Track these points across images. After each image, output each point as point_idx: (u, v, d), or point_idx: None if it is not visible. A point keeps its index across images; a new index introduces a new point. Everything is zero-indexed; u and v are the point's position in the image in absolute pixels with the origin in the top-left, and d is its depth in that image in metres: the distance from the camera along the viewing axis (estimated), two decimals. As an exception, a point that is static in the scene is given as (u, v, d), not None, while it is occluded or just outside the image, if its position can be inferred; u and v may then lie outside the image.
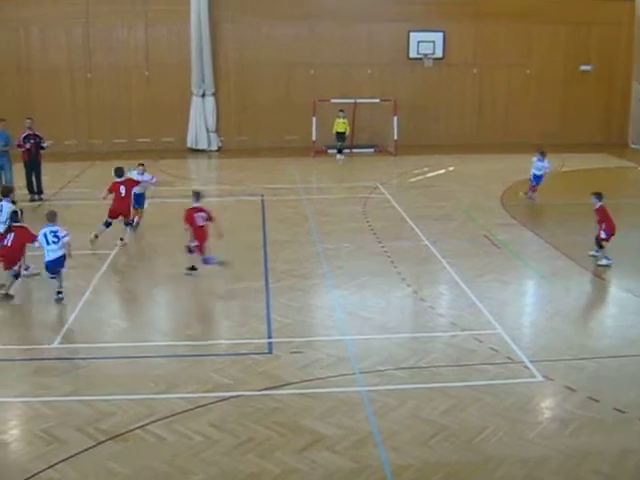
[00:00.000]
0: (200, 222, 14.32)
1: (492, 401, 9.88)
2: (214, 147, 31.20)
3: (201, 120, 30.90)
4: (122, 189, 16.84)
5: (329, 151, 29.83)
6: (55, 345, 11.58)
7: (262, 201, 21.34)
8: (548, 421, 9.49)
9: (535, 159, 21.55)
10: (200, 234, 14.33)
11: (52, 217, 13.42)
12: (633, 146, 32.51)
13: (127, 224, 17.05)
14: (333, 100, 29.49)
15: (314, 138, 29.25)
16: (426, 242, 17.08)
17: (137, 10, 30.21)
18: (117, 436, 9.02)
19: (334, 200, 21.65)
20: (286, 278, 14.68)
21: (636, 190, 24.76)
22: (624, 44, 32.70)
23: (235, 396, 9.95)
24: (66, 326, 12.32)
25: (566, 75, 32.74)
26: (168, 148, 30.68)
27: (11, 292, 13.55)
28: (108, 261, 15.74)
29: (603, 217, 15.82)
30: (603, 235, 15.78)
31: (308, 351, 11.31)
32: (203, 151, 30.91)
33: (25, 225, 13.85)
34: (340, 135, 28.96)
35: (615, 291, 14.61)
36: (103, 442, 8.90)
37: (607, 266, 15.40)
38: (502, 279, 14.63)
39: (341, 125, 28.87)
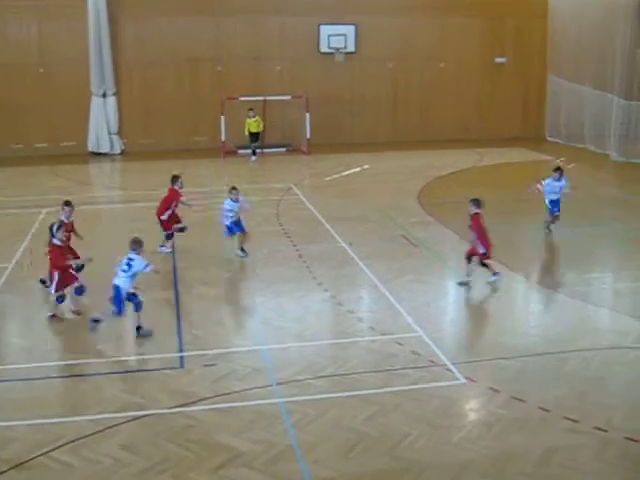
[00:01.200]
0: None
1: (415, 406, 10.00)
2: (117, 150, 30.75)
3: (102, 122, 30.40)
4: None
5: (240, 151, 29.73)
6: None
7: (170, 206, 21.06)
8: (472, 424, 9.66)
9: (549, 179, 18.01)
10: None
11: (134, 244, 12.37)
12: (550, 139, 33.46)
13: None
14: (242, 98, 29.44)
15: (223, 138, 29.13)
16: (342, 244, 17.19)
17: (30, 4, 29.49)
18: (19, 465, 8.76)
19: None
20: (197, 286, 14.55)
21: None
22: (538, 36, 33.66)
23: (146, 415, 9.80)
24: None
25: (482, 68, 33.49)
26: (68, 152, 30.07)
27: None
28: (3, 278, 15.30)
29: (477, 226, 14.27)
30: (481, 250, 14.28)
31: (222, 363, 11.23)
32: (105, 155, 30.41)
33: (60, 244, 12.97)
34: (254, 135, 28.86)
35: (535, 288, 14.99)
36: (4, 472, 8.63)
37: (496, 281, 14.48)
38: (422, 280, 14.83)
39: (253, 124, 28.79)
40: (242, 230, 16.46)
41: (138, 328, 12.25)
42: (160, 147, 30.81)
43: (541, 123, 34.17)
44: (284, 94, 30.39)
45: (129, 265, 12.10)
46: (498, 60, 33.57)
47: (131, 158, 29.88)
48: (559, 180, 17.93)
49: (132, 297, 12.17)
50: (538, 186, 18.18)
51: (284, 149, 30.60)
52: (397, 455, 8.88)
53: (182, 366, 11.21)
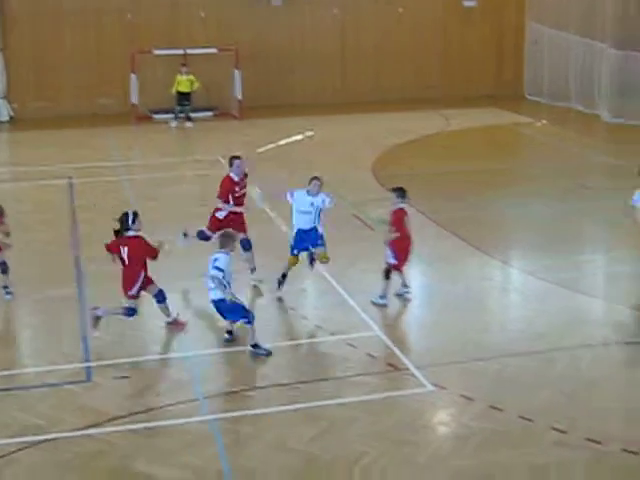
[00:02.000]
0: None
1: (373, 420, 10.01)
2: (4, 117, 30.28)
3: (-16, 83, 29.93)
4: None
5: (155, 116, 29.45)
6: None
7: (70, 185, 20.87)
8: (442, 439, 9.71)
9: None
10: None
11: (225, 241, 12.00)
12: (529, 97, 33.77)
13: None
14: (157, 51, 29.15)
15: (134, 101, 28.82)
16: (283, 228, 17.13)
17: None
18: None
19: (164, 180, 21.41)
20: (105, 282, 14.34)
21: (533, 151, 25.77)
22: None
23: (47, 439, 9.66)
24: None
25: (447, 13, 33.59)
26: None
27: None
28: None
29: (397, 224, 13.42)
30: (391, 260, 13.41)
31: (137, 375, 11.14)
32: (-11, 123, 29.97)
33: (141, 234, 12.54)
34: (183, 96, 28.63)
35: (515, 275, 15.16)
36: None
37: (382, 305, 13.46)
38: (377, 268, 14.84)
39: (184, 83, 28.54)
40: (322, 243, 13.83)
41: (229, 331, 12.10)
42: (57, 112, 30.34)
43: (519, 79, 34.42)
44: (209, 46, 30.12)
45: (218, 268, 11.67)
46: (467, 4, 33.75)
47: (22, 126, 29.42)
48: None
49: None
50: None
51: (210, 113, 30.37)
52: (352, 480, 8.89)
53: (89, 379, 11.09)
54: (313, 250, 13.71)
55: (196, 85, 28.76)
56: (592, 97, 30.26)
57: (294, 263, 13.75)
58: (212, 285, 11.70)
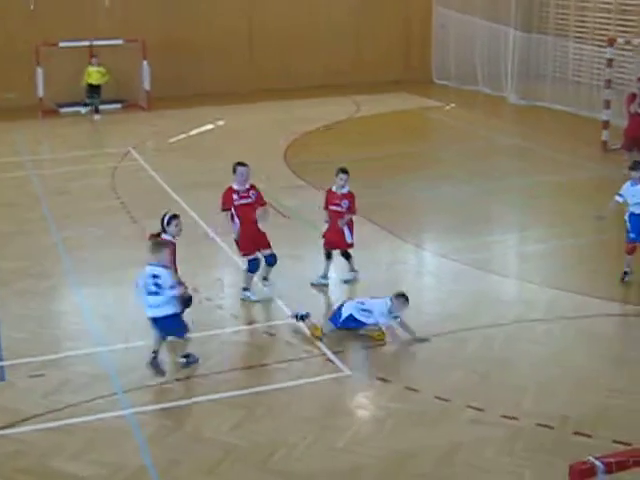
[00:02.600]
0: None
1: (291, 407, 10.08)
2: None
3: None
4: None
5: (63, 110, 29.01)
6: None
7: (-24, 182, 20.49)
8: (361, 422, 9.83)
9: (629, 184, 13.87)
10: None
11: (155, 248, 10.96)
12: (437, 81, 34.11)
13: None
14: (63, 43, 28.66)
15: (41, 94, 28.34)
16: (195, 217, 17.08)
17: None
18: None
19: (73, 173, 21.13)
20: (16, 280, 14.19)
21: (442, 134, 26.08)
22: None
23: (-41, 442, 9.54)
24: None
25: (355, -1, 33.66)
26: None
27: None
28: None
29: (353, 208, 13.86)
30: (350, 240, 13.82)
31: (52, 372, 11.01)
32: None
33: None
34: (93, 88, 28.23)
35: (428, 257, 15.36)
36: None
37: (324, 285, 13.89)
38: (294, 254, 14.92)
39: (94, 75, 28.13)
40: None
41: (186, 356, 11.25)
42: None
43: (427, 63, 34.70)
44: (115, 38, 29.73)
45: (157, 285, 10.63)
46: (373, -12, 33.90)
47: None
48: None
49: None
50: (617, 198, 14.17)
51: (119, 105, 30.00)
52: (272, 468, 8.92)
53: (2, 378, 10.93)
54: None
55: (106, 78, 28.38)
56: (499, 80, 30.68)
57: None
58: (153, 302, 10.69)
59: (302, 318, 11.95)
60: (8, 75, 29.70)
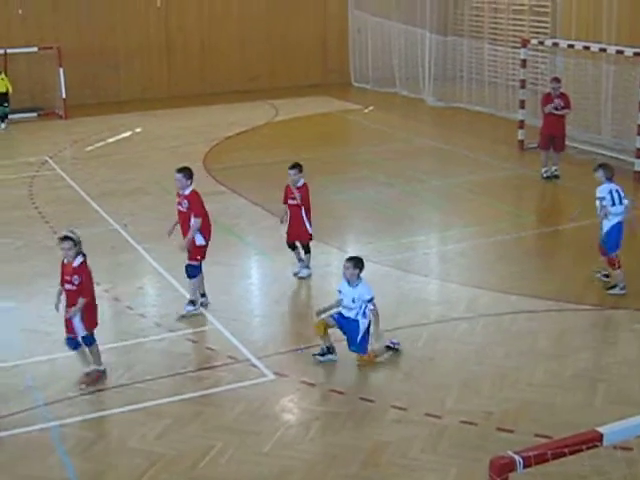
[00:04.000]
0: None
1: (216, 413, 10.06)
2: None
3: None
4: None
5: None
6: None
7: None
8: (286, 426, 9.82)
9: (603, 186, 13.22)
10: None
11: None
12: (356, 84, 34.32)
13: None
14: (-26, 53, 28.19)
15: (-47, 105, 27.83)
16: (115, 226, 16.95)
17: None
18: None
19: (-11, 184, 20.82)
20: None
21: (361, 137, 26.22)
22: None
23: None
24: None
25: (270, 3, 33.64)
26: None
27: None
28: None
29: (307, 200, 14.25)
30: (310, 230, 14.25)
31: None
32: None
33: None
34: (1, 96, 27.78)
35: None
36: None
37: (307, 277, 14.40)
38: (215, 261, 14.84)
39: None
40: None
41: None
42: None
43: (345, 67, 34.90)
44: (29, 45, 29.35)
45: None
46: (288, -7, 33.96)
47: None
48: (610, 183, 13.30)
49: None
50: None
51: (35, 114, 29.61)
52: (199, 475, 8.89)
53: None
54: None
55: (9, 85, 27.91)
56: (417, 82, 31.01)
57: None
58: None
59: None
60: None
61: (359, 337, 11.06)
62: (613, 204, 12.97)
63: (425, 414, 9.87)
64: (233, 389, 10.59)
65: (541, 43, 24.20)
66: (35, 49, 29.26)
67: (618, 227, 13.12)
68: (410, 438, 9.41)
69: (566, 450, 5.15)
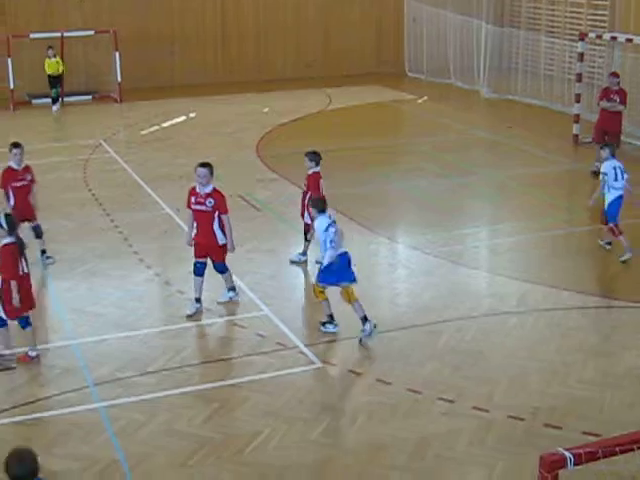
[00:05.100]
0: None
1: (264, 399, 10.09)
2: None
3: None
4: None
5: (35, 101, 28.85)
6: None
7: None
8: (332, 415, 9.83)
9: (607, 162, 14.61)
10: None
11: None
12: (410, 74, 34.15)
13: None
14: (33, 35, 28.47)
15: (12, 86, 28.14)
16: (168, 210, 17.04)
17: None
18: None
19: (45, 166, 20.96)
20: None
21: (415, 128, 26.10)
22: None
23: None
24: None
25: (326, -9, 33.63)
26: None
27: None
28: None
29: (316, 186, 13.95)
30: (309, 219, 13.66)
31: (22, 366, 10.93)
32: None
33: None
34: (54, 79, 28.06)
35: (400, 250, 15.37)
36: None
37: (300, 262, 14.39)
38: (265, 248, 14.93)
39: (52, 65, 27.96)
40: None
41: None
42: None
43: (399, 56, 34.76)
44: (86, 29, 29.60)
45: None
46: (346, -18, 33.88)
47: None
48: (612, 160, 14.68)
49: None
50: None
51: (90, 97, 29.86)
52: (246, 460, 8.94)
53: (-30, 372, 10.89)
54: None
55: (61, 67, 28.20)
56: (471, 73, 30.78)
57: None
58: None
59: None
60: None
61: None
62: (615, 179, 14.32)
63: (472, 407, 9.83)
64: (281, 376, 10.62)
65: (599, 37, 23.93)
66: (91, 32, 29.49)
67: (619, 200, 14.38)
68: (457, 431, 9.38)
69: (617, 449, 5.12)
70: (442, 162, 20.84)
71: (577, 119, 22.74)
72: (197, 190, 12.22)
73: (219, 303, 12.69)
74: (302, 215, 14.16)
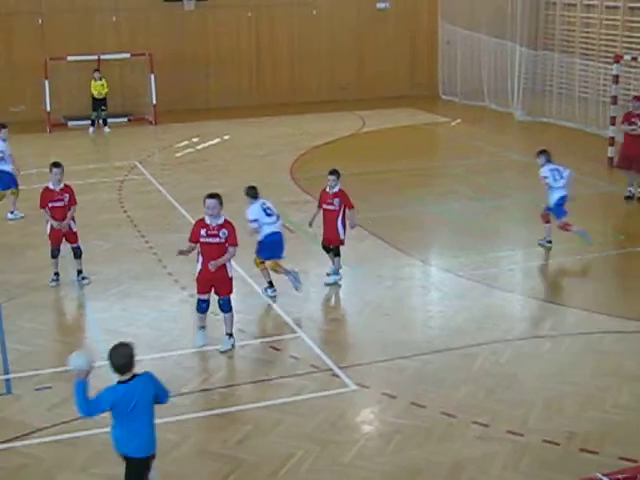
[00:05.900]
0: None
1: (297, 421, 10.08)
2: None
3: None
4: None
5: (70, 123, 29.13)
6: None
7: (-16, 195, 20.49)
8: (366, 438, 9.81)
9: (544, 168, 16.32)
10: None
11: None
12: (444, 97, 34.18)
13: None
14: (70, 58, 28.81)
15: (48, 108, 28.45)
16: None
17: None
18: None
19: (81, 187, 21.10)
20: (22, 293, 14.20)
21: (448, 150, 26.09)
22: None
23: (-35, 455, 9.54)
24: None
25: (360, 15, 33.77)
26: None
27: None
28: None
29: (348, 200, 14.49)
30: (342, 236, 14.45)
31: (59, 385, 11.00)
32: None
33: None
34: (98, 101, 28.35)
35: (433, 273, 15.33)
36: None
37: (335, 284, 14.60)
38: (300, 269, 14.91)
39: (98, 88, 28.24)
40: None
41: None
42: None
43: (433, 79, 34.81)
44: (122, 52, 29.90)
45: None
46: (379, 5, 33.98)
47: None
48: (548, 165, 16.29)
49: None
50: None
51: (125, 119, 30.14)
52: (279, 482, 8.94)
53: (9, 391, 10.92)
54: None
55: (105, 91, 28.49)
56: (505, 96, 30.77)
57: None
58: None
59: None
60: (16, 90, 29.85)
61: None
62: (555, 180, 15.88)
63: (507, 431, 9.76)
64: (315, 398, 10.61)
65: (634, 59, 23.83)
66: (128, 55, 29.79)
67: (562, 198, 15.82)
68: (491, 455, 9.32)
69: (655, 475, 5.08)
70: (475, 185, 20.81)
71: (612, 142, 22.63)
72: (207, 222, 11.74)
73: (221, 352, 11.98)
74: (335, 234, 14.35)
